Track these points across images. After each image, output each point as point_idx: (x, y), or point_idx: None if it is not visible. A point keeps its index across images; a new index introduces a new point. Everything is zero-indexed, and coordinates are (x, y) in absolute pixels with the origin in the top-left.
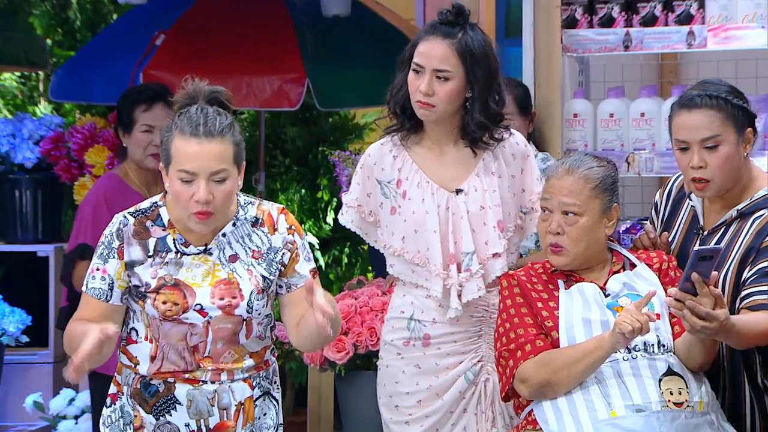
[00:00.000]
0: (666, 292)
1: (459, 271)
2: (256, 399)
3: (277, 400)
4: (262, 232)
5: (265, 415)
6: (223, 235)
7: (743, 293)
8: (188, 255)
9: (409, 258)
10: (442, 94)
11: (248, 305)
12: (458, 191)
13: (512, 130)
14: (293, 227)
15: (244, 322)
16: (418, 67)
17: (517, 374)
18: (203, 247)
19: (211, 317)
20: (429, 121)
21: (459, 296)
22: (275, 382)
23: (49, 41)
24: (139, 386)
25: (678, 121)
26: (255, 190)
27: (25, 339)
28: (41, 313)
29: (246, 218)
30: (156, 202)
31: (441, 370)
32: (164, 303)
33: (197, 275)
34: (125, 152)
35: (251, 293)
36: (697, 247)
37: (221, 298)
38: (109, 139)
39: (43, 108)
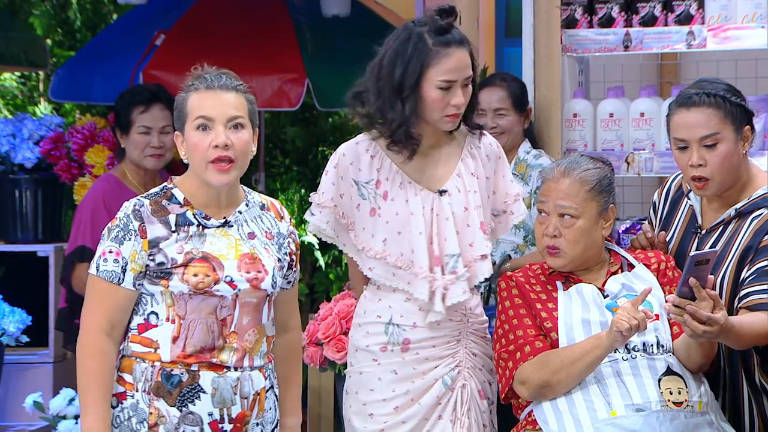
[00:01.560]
0: (664, 292)
1: (443, 273)
2: (267, 390)
3: (277, 397)
4: (270, 216)
5: (270, 409)
6: (239, 212)
7: (741, 293)
8: (209, 228)
9: (392, 261)
10: (468, 98)
11: (273, 280)
12: (442, 192)
13: (484, 131)
14: (292, 221)
15: (267, 299)
16: (449, 83)
17: (516, 376)
18: (223, 220)
19: (240, 290)
20: (454, 126)
21: (443, 299)
22: (276, 378)
23: (49, 41)
24: (160, 379)
25: (676, 120)
26: (255, 190)
27: (25, 339)
28: (41, 313)
29: (254, 202)
30: (166, 185)
31: (418, 374)
32: (195, 275)
33: (222, 247)
34: (123, 153)
35: (274, 269)
36: (693, 252)
37: (248, 272)
38: (109, 139)
39: (43, 108)
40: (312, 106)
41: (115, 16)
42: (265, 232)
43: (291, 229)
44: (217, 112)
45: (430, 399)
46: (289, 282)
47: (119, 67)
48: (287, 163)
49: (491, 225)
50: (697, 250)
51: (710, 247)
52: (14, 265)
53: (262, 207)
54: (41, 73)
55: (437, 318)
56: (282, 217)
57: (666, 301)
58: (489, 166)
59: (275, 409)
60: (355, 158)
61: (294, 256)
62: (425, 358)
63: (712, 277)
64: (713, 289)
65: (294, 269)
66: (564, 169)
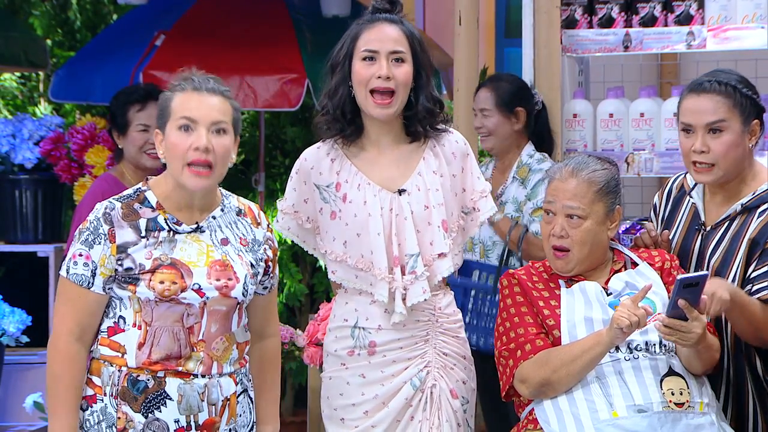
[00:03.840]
0: (668, 291)
1: (403, 273)
2: (239, 395)
3: (252, 399)
4: (246, 222)
5: (243, 413)
6: (213, 218)
7: (753, 288)
8: (180, 233)
9: (352, 263)
10: (401, 77)
11: (244, 288)
12: (401, 191)
13: (451, 129)
14: (270, 226)
15: (238, 306)
16: (370, 53)
17: (516, 374)
18: (195, 225)
19: (208, 298)
20: (387, 119)
21: (403, 299)
22: (250, 380)
23: (49, 42)
24: (126, 384)
25: (685, 104)
26: (255, 190)
27: (25, 339)
28: (41, 313)
29: (231, 207)
30: (139, 188)
31: (386, 377)
32: (161, 283)
33: (192, 254)
34: (121, 154)
35: (246, 276)
36: (679, 276)
37: (217, 279)
38: (109, 139)
39: (43, 108)
40: (312, 107)
41: (115, 17)
42: (240, 238)
43: (268, 236)
44: (202, 114)
45: (398, 402)
46: (265, 288)
47: (119, 68)
48: (287, 163)
49: (461, 223)
50: (701, 247)
51: (716, 244)
52: (14, 265)
53: (239, 212)
54: (41, 73)
55: (400, 319)
56: (259, 224)
57: (654, 319)
58: (455, 164)
59: (250, 412)
60: (316, 162)
61: (271, 263)
62: (392, 360)
63: (705, 297)
64: (702, 312)
65: (271, 275)
66: (572, 170)
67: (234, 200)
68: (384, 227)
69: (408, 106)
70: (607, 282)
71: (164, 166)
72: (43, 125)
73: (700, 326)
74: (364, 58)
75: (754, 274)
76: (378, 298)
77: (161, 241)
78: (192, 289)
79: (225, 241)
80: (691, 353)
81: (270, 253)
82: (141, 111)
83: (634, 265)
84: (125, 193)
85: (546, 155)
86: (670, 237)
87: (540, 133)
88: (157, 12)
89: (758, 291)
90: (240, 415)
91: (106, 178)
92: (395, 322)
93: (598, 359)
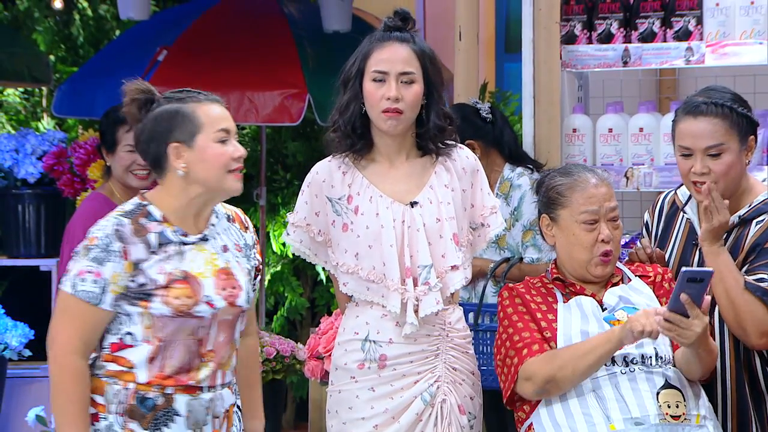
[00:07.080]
0: (661, 304)
1: (415, 285)
2: (234, 406)
3: (240, 410)
4: (236, 227)
5: (235, 424)
6: (213, 225)
7: (754, 276)
8: (188, 245)
9: (364, 275)
10: (410, 99)
11: (247, 295)
12: (413, 204)
13: (459, 144)
14: (254, 230)
15: (241, 314)
16: (380, 74)
17: (521, 372)
18: (201, 235)
19: (217, 309)
20: (396, 132)
21: (416, 311)
22: (238, 392)
23: (52, 57)
24: (134, 402)
25: (682, 128)
26: (257, 204)
27: (27, 353)
28: (44, 327)
29: (221, 213)
30: (139, 203)
31: (396, 391)
32: (177, 298)
33: (200, 264)
34: (109, 171)
35: (246, 283)
36: (684, 268)
37: (224, 289)
38: None
39: (46, 123)
40: (313, 121)
41: (117, 32)
42: (235, 244)
43: (255, 238)
44: (231, 125)
45: (409, 416)
46: (254, 290)
47: (122, 83)
48: (288, 177)
49: (469, 239)
50: (699, 261)
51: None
52: (17, 279)
53: (228, 218)
54: (44, 88)
55: (411, 330)
56: (246, 228)
57: (656, 313)
58: (466, 179)
59: (239, 420)
60: (328, 175)
61: (261, 266)
62: (403, 374)
63: (709, 298)
64: (705, 313)
65: (258, 278)
66: (595, 175)
67: (220, 207)
68: (396, 239)
69: (420, 122)
70: (602, 296)
71: (152, 185)
72: (46, 140)
73: (701, 325)
74: (374, 79)
75: (754, 265)
76: (390, 309)
77: (171, 255)
78: (204, 302)
79: (225, 248)
80: (692, 356)
81: (258, 257)
82: (130, 131)
83: (628, 279)
84: (127, 209)
85: (530, 167)
86: (667, 254)
87: (503, 144)
88: (159, 27)
89: (760, 281)
90: (233, 426)
91: (96, 197)
92: (406, 333)
93: (605, 357)
